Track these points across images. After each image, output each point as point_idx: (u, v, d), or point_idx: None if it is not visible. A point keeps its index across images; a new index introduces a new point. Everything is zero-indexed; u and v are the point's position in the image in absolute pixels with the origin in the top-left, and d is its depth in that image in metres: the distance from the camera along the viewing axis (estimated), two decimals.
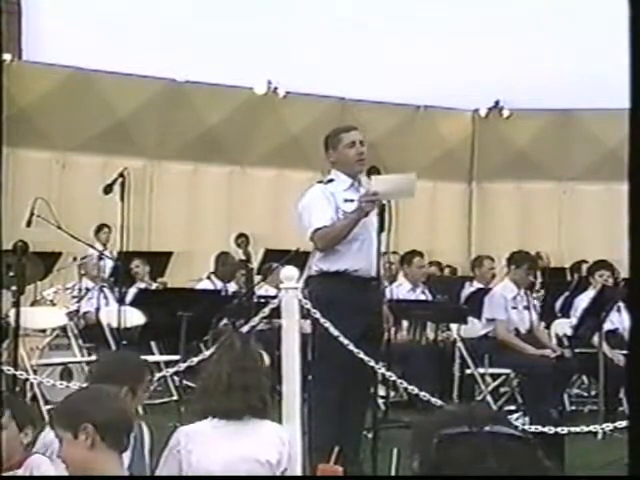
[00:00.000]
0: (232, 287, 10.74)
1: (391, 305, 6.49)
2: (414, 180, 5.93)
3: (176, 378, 8.24)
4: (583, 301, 9.04)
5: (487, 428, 1.90)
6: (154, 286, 10.81)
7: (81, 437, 3.22)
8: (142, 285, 10.61)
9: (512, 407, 8.39)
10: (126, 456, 3.80)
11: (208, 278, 10.93)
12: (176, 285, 11.11)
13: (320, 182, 6.07)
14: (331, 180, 6.02)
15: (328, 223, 5.83)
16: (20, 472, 3.71)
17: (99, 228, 12.06)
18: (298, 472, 4.60)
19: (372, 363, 5.53)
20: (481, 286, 9.90)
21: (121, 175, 8.38)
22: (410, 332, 9.33)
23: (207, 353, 6.15)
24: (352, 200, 5.87)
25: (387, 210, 5.81)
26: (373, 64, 15.71)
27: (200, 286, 10.68)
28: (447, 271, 12.99)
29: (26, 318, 7.71)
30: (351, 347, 5.46)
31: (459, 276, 13.16)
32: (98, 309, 9.48)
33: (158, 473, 3.93)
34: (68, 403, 3.42)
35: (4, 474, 3.61)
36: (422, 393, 5.71)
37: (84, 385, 4.24)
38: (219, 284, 10.71)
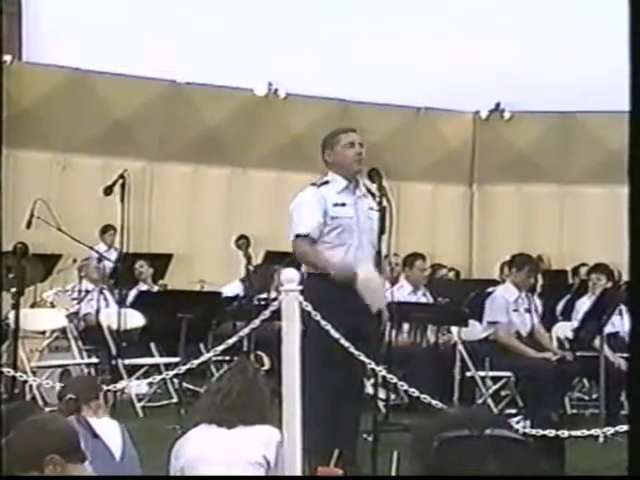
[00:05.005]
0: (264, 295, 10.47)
1: (392, 307, 6.47)
2: (383, 306, 5.87)
3: (176, 380, 8.23)
4: (584, 304, 9.04)
5: (488, 431, 1.89)
6: (155, 288, 10.80)
7: (49, 469, 3.14)
8: (144, 287, 10.60)
9: (513, 410, 8.38)
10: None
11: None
12: (176, 287, 11.10)
13: (313, 184, 6.04)
14: (326, 182, 5.98)
15: (313, 230, 5.82)
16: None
17: (104, 229, 11.99)
18: (298, 473, 4.59)
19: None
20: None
21: (121, 176, 8.38)
22: (411, 335, 9.32)
23: (207, 355, 6.15)
24: (343, 204, 5.84)
25: (388, 212, 5.78)
26: (374, 66, 15.66)
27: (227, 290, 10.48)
28: (451, 274, 12.98)
29: (26, 320, 7.72)
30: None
31: (463, 279, 13.18)
32: (98, 311, 9.47)
33: None
34: (19, 447, 3.21)
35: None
36: (423, 396, 5.69)
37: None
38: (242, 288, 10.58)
